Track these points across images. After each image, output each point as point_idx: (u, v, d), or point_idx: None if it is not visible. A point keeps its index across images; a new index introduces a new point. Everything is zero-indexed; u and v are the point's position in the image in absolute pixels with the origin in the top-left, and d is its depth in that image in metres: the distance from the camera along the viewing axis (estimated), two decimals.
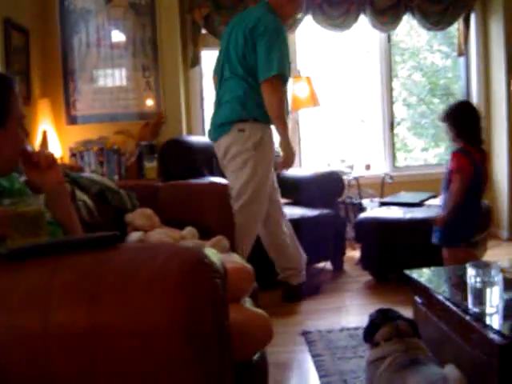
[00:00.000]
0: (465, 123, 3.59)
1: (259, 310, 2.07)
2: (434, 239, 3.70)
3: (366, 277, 4.55)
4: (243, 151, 3.71)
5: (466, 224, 3.62)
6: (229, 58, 3.76)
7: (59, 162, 1.88)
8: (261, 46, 3.59)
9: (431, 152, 6.38)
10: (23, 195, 1.80)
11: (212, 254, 1.34)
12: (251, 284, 2.14)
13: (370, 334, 2.27)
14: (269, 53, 3.56)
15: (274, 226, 4.01)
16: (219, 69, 3.88)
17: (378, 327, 2.25)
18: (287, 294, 4.09)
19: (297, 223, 4.30)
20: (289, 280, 4.08)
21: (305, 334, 3.42)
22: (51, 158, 1.82)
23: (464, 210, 3.56)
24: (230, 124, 3.73)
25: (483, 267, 2.18)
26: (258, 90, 3.62)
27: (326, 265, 4.82)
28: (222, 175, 4.26)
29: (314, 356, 3.09)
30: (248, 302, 2.15)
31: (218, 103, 3.87)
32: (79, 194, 2.73)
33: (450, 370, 1.87)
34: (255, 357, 1.87)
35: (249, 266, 2.18)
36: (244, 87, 3.70)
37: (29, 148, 1.81)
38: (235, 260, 2.42)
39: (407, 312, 2.49)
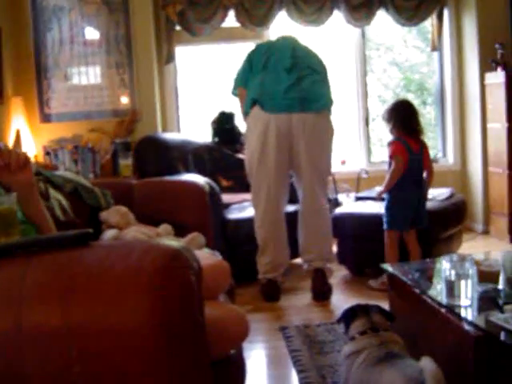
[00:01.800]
0: (398, 116, 4.04)
1: (235, 306, 2.07)
2: (384, 225, 4.06)
3: (343, 271, 4.57)
4: None
5: (405, 209, 4.01)
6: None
7: (32, 161, 1.83)
8: None
9: None
10: None
11: (186, 250, 1.34)
12: (227, 280, 2.14)
13: (344, 328, 2.28)
14: None
15: None
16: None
17: (351, 320, 2.26)
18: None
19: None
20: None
21: (282, 329, 3.42)
22: (22, 160, 1.76)
23: (403, 196, 4.00)
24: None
25: (457, 260, 2.20)
26: None
27: None
28: (199, 172, 4.28)
29: (291, 351, 3.09)
30: (224, 299, 2.15)
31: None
32: (53, 193, 2.71)
33: (426, 363, 1.88)
34: (232, 352, 1.87)
35: (225, 263, 2.18)
36: None
37: (1, 146, 1.78)
38: (211, 256, 2.42)
39: (384, 306, 2.50)
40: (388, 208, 4.05)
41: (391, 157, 3.99)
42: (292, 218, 4.14)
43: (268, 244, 4.02)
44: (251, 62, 4.04)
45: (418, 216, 4.02)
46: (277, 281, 4.06)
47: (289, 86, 3.86)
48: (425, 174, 4.11)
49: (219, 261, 2.24)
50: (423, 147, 4.09)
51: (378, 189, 4.26)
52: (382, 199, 4.14)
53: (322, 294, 3.99)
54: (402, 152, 3.94)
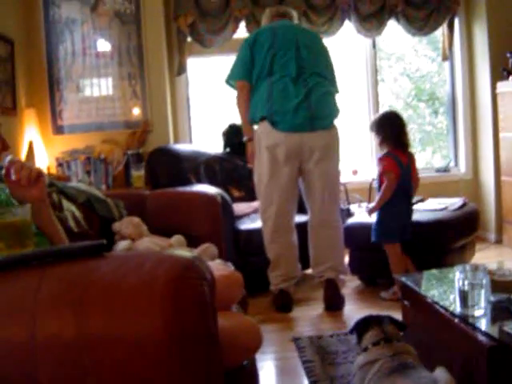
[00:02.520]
0: (390, 130, 4.04)
1: (248, 317, 2.07)
2: (372, 238, 4.10)
3: (355, 282, 4.56)
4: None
5: (398, 221, 4.05)
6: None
7: (45, 172, 1.83)
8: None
9: (418, 156, 6.40)
10: (9, 206, 1.78)
11: (199, 261, 1.34)
12: (240, 291, 2.14)
13: (357, 339, 2.27)
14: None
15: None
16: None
17: (364, 331, 2.25)
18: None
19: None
20: None
21: (295, 340, 3.41)
22: (34, 175, 1.74)
23: (395, 210, 4.03)
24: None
25: (471, 270, 2.20)
26: None
27: None
28: (211, 182, 4.28)
29: (304, 362, 3.08)
30: (237, 309, 2.15)
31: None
32: (66, 204, 2.72)
33: (440, 374, 1.87)
34: (245, 363, 1.86)
35: (237, 273, 2.18)
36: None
37: (10, 159, 1.78)
38: (224, 267, 2.42)
39: (396, 316, 2.49)
40: (380, 222, 4.07)
41: (383, 173, 3.99)
42: (303, 229, 4.14)
43: (280, 259, 4.02)
44: (253, 54, 3.95)
45: (405, 228, 4.05)
46: (289, 291, 4.05)
47: (298, 103, 3.83)
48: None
49: (232, 271, 2.24)
50: (411, 159, 4.11)
51: (367, 205, 4.39)
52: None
53: (334, 304, 3.98)
54: (395, 168, 3.96)
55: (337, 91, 4.09)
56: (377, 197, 4.07)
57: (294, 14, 4.29)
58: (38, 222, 1.82)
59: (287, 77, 3.86)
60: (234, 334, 1.75)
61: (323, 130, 3.89)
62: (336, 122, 4.02)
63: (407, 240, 4.04)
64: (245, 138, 4.10)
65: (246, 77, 3.96)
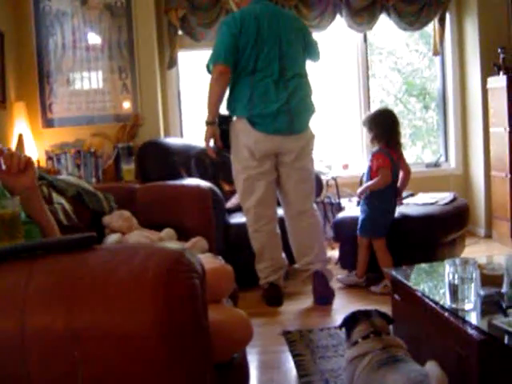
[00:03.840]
0: (383, 128, 4.11)
1: (239, 310, 2.07)
2: (359, 232, 4.20)
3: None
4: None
5: (386, 217, 4.14)
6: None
7: (35, 165, 1.82)
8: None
9: (409, 151, 6.41)
10: (0, 197, 1.77)
11: (190, 254, 1.34)
12: (231, 284, 2.14)
13: (346, 332, 2.28)
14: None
15: None
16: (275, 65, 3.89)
17: (353, 325, 2.25)
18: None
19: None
20: None
21: (285, 333, 3.42)
22: (23, 163, 1.75)
23: (384, 206, 4.14)
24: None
25: (460, 264, 2.20)
26: None
27: None
28: (201, 176, 4.27)
29: (294, 356, 3.09)
30: (228, 303, 2.15)
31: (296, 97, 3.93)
32: (56, 197, 2.71)
33: (431, 368, 1.87)
34: (235, 356, 1.86)
35: (228, 266, 2.18)
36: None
37: (4, 150, 1.77)
38: (214, 260, 2.41)
39: (386, 310, 2.49)
40: (369, 217, 4.14)
41: (378, 170, 4.05)
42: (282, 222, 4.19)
43: (265, 249, 4.02)
44: (236, 38, 3.80)
45: (391, 224, 4.15)
46: (279, 284, 4.05)
47: (278, 108, 3.83)
48: (401, 175, 4.21)
49: (222, 265, 2.24)
50: (399, 154, 4.19)
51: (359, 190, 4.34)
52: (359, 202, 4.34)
53: (324, 297, 3.99)
54: (388, 165, 4.04)
55: (318, 57, 4.20)
56: (366, 183, 4.18)
57: None
58: (29, 210, 1.82)
59: (269, 78, 3.84)
60: (224, 326, 1.75)
61: (301, 132, 3.94)
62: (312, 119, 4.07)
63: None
64: (206, 120, 3.93)
65: (229, 62, 3.81)
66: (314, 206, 4.14)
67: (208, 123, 3.92)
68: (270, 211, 4.02)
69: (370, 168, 4.14)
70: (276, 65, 3.85)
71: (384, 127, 4.10)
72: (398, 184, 4.21)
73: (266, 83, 3.84)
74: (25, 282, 1.27)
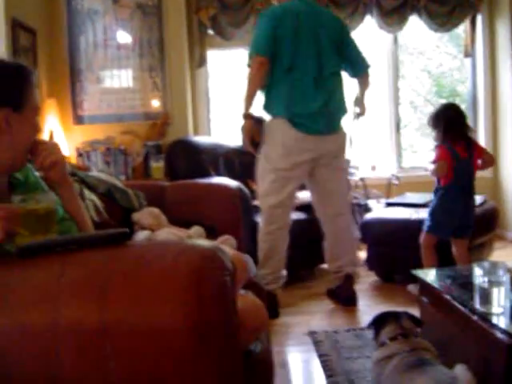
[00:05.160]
0: (446, 123, 3.82)
1: (253, 297, 2.07)
2: (424, 228, 3.94)
3: (372, 277, 4.55)
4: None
5: (450, 218, 3.85)
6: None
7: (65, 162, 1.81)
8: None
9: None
10: (38, 189, 1.80)
11: (221, 251, 1.35)
12: (244, 274, 2.14)
13: (374, 334, 2.28)
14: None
15: None
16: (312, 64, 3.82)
17: (381, 326, 2.25)
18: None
19: (306, 222, 4.38)
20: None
21: (311, 333, 3.42)
22: (48, 163, 1.74)
23: (450, 205, 3.84)
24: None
25: (490, 267, 2.18)
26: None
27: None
28: (229, 175, 4.27)
29: (320, 356, 3.08)
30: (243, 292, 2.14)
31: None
32: (87, 193, 2.74)
33: (461, 371, 1.87)
34: (257, 349, 1.86)
35: (243, 256, 2.19)
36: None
37: (34, 140, 1.78)
38: (230, 250, 2.39)
39: (414, 313, 2.48)
40: (433, 212, 3.91)
41: (435, 162, 3.82)
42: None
43: (273, 253, 3.87)
44: (275, 31, 3.73)
45: (462, 225, 3.87)
46: (276, 294, 3.91)
47: (317, 109, 3.77)
48: (479, 162, 3.88)
49: (237, 254, 2.24)
50: (472, 148, 3.85)
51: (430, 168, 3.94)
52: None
53: (352, 299, 3.99)
54: (446, 158, 3.77)
55: (368, 66, 4.05)
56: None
57: None
58: (64, 205, 1.84)
59: (308, 76, 3.77)
60: (239, 315, 1.75)
61: (336, 133, 3.92)
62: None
63: (467, 237, 3.92)
64: (243, 113, 3.78)
65: (268, 53, 3.72)
66: (349, 210, 4.11)
67: (245, 116, 3.76)
68: (286, 217, 3.95)
69: (433, 162, 3.87)
70: (314, 62, 3.78)
71: (446, 123, 3.82)
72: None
73: (305, 82, 3.77)
74: (58, 275, 1.28)
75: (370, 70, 4.06)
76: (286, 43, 3.74)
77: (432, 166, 3.85)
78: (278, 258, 3.92)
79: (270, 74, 3.77)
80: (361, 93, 4.11)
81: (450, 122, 3.82)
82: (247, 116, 3.75)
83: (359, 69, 4.03)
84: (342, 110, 3.95)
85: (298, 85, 3.77)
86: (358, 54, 4.02)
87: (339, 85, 3.94)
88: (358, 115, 4.17)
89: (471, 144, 3.86)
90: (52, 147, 1.77)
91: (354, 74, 4.05)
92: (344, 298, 4.00)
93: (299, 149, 3.79)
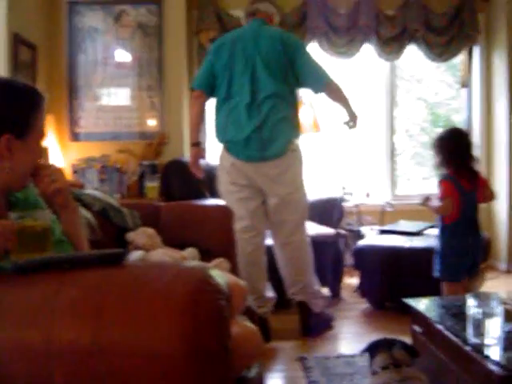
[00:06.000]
0: (451, 150, 3.56)
1: (250, 325, 2.06)
2: (435, 272, 3.66)
3: (364, 304, 4.54)
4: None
5: (461, 257, 3.56)
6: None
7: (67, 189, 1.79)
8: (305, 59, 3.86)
9: (432, 182, 6.40)
10: (37, 207, 1.79)
11: (217, 274, 1.34)
12: (243, 301, 2.14)
13: (369, 360, 2.27)
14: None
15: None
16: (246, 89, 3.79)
17: (374, 354, 2.25)
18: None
19: None
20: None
21: (301, 359, 3.40)
22: (51, 191, 1.73)
23: (458, 243, 3.56)
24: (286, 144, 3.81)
25: (483, 298, 2.19)
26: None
27: (323, 291, 4.79)
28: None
29: (310, 382, 3.07)
30: (240, 318, 2.14)
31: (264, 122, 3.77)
32: (82, 211, 2.73)
33: None
34: (252, 375, 1.86)
35: (242, 282, 2.19)
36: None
37: (38, 164, 1.78)
38: (229, 276, 2.40)
39: (405, 341, 2.48)
40: (440, 256, 3.61)
41: (441, 198, 3.56)
42: None
43: (251, 278, 3.68)
44: (213, 66, 3.86)
45: (475, 262, 3.63)
46: (267, 319, 3.80)
47: (249, 135, 3.73)
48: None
49: (236, 280, 2.24)
50: (477, 181, 3.61)
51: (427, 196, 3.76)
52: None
53: (305, 329, 3.91)
54: (453, 194, 3.52)
55: (326, 82, 3.84)
56: (436, 203, 3.63)
57: (269, 9, 4.09)
58: (64, 227, 1.83)
59: (241, 103, 3.76)
60: (236, 341, 1.75)
61: (276, 159, 3.77)
62: (293, 145, 3.85)
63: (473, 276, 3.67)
64: (190, 142, 4.12)
65: (204, 88, 3.92)
66: (302, 236, 3.93)
67: (190, 145, 4.07)
68: (255, 240, 3.86)
69: (440, 199, 3.60)
70: (248, 88, 3.75)
71: (451, 150, 3.55)
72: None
73: (239, 109, 3.77)
74: (54, 294, 1.28)
75: (334, 84, 3.85)
76: (221, 75, 3.84)
77: (436, 203, 3.59)
78: (260, 281, 3.85)
79: (215, 103, 3.93)
80: (342, 106, 3.95)
81: (455, 150, 3.57)
82: (193, 144, 4.02)
83: (317, 86, 3.88)
84: (283, 135, 3.77)
85: (232, 112, 3.80)
86: (313, 71, 3.85)
87: (280, 108, 3.76)
88: (349, 125, 4.01)
89: (475, 175, 3.61)
90: (55, 173, 1.75)
91: (314, 91, 3.95)
92: (302, 328, 3.94)
93: (237, 173, 3.82)
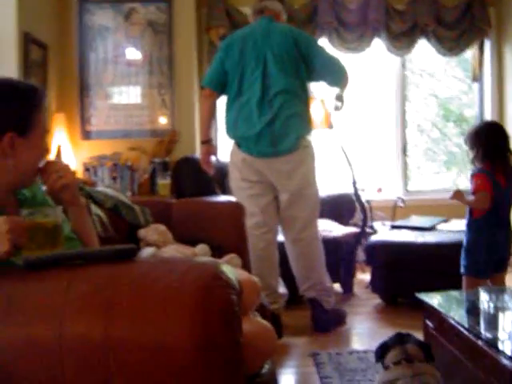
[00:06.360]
0: (486, 144, 3.44)
1: (264, 322, 2.06)
2: (461, 269, 3.55)
3: (376, 300, 4.54)
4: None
5: (488, 254, 3.44)
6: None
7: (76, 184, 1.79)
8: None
9: (443, 176, 6.38)
10: (45, 205, 1.80)
11: (228, 270, 1.34)
12: (258, 297, 2.14)
13: (379, 356, 2.26)
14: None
15: None
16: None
17: (387, 350, 2.24)
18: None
19: None
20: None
21: (314, 355, 3.40)
22: (58, 186, 1.74)
23: (486, 239, 3.45)
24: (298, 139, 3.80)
25: (497, 292, 2.18)
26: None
27: (336, 287, 4.79)
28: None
29: (322, 378, 3.06)
30: (254, 315, 2.14)
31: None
32: (94, 208, 2.75)
33: None
34: (264, 372, 1.86)
35: (255, 279, 2.18)
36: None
37: (46, 161, 1.79)
38: (242, 272, 2.40)
39: (417, 336, 2.47)
40: (467, 251, 3.51)
41: (474, 193, 3.42)
42: None
43: (263, 274, 3.66)
44: (223, 64, 3.86)
45: (502, 258, 3.50)
46: (279, 314, 3.78)
47: (260, 130, 3.73)
48: None
49: (249, 276, 2.24)
50: (510, 175, 3.47)
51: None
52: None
53: (317, 326, 3.92)
54: (488, 189, 3.37)
55: (344, 73, 3.88)
56: (470, 198, 3.46)
57: (276, 6, 4.09)
58: (73, 225, 1.84)
59: (253, 99, 3.76)
60: (250, 338, 1.75)
61: (288, 154, 3.76)
62: (305, 141, 3.84)
63: (500, 272, 3.51)
64: (200, 139, 4.15)
65: (214, 87, 3.92)
66: (314, 233, 3.92)
67: (202, 142, 4.09)
68: (267, 236, 3.87)
69: (472, 193, 3.46)
70: (259, 84, 3.75)
71: (487, 144, 3.43)
72: None
73: (250, 105, 3.77)
74: (64, 289, 1.28)
75: (347, 74, 3.88)
76: (232, 72, 3.84)
77: (471, 196, 3.43)
78: (271, 277, 3.85)
79: (226, 100, 3.93)
80: (341, 91, 3.99)
81: (492, 144, 3.45)
82: (203, 142, 4.05)
83: (337, 79, 3.91)
84: (295, 130, 3.77)
85: (243, 109, 3.80)
86: (330, 64, 3.86)
87: (291, 103, 3.76)
88: (337, 108, 4.06)
89: (509, 171, 3.48)
90: (63, 169, 1.76)
91: (333, 84, 3.96)
92: (314, 324, 3.94)
93: (248, 170, 3.83)
